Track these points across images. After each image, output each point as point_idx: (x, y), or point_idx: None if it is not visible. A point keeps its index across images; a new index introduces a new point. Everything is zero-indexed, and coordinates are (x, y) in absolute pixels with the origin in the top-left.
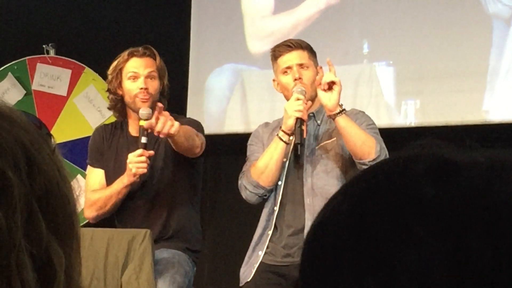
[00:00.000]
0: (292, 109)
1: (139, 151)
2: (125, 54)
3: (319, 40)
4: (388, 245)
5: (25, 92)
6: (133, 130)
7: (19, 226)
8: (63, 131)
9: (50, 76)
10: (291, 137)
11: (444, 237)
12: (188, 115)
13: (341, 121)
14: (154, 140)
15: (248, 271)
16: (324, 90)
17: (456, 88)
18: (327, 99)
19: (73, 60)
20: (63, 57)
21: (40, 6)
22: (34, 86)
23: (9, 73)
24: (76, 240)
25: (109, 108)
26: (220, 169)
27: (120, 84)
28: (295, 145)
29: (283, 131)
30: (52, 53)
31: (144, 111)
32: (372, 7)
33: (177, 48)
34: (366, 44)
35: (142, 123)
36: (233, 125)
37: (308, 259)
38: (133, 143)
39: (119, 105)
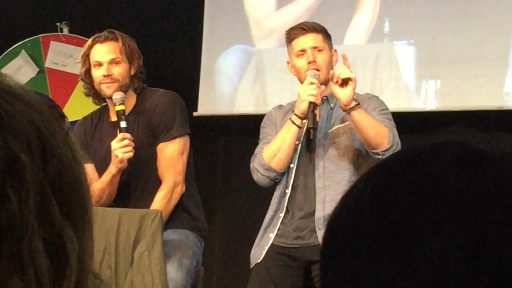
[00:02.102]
0: (306, 93)
1: (120, 135)
2: (89, 40)
3: (341, 18)
4: (408, 231)
5: (38, 69)
6: (113, 116)
7: (31, 210)
8: (75, 110)
9: (63, 54)
10: (304, 121)
11: (465, 227)
12: (200, 96)
13: (356, 115)
14: (133, 121)
15: (258, 252)
16: (339, 85)
17: (477, 72)
18: (341, 94)
19: (87, 39)
20: (77, 35)
21: None
22: (47, 64)
23: (23, 51)
24: (89, 224)
25: (85, 94)
26: (231, 151)
27: (89, 71)
28: (308, 129)
29: (296, 115)
30: (65, 31)
31: (117, 95)
32: None
33: (191, 28)
34: (387, 22)
35: (118, 107)
36: (245, 106)
37: (329, 241)
38: (114, 129)
39: (93, 91)
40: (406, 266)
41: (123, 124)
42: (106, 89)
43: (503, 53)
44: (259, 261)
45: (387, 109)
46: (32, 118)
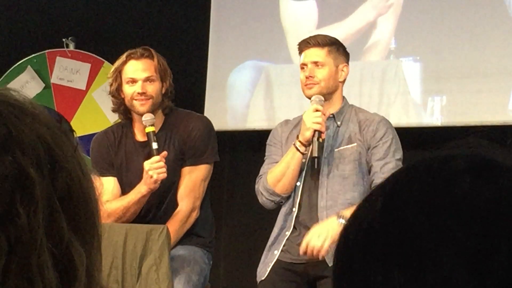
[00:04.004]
0: (311, 120)
1: (156, 157)
2: (123, 56)
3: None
4: (419, 239)
5: (44, 85)
6: (139, 135)
7: (40, 225)
8: (81, 125)
9: (69, 70)
10: (309, 146)
11: (475, 237)
12: (206, 111)
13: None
14: (164, 141)
15: (263, 269)
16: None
17: (482, 87)
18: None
19: (93, 54)
20: (83, 51)
21: None
22: (53, 80)
23: (29, 66)
24: (97, 238)
25: (113, 111)
26: (237, 165)
27: (120, 87)
28: (313, 158)
29: (300, 142)
30: (71, 46)
31: (147, 117)
32: (401, 4)
33: (196, 43)
34: (393, 39)
35: (148, 129)
36: (253, 121)
37: (341, 250)
38: (141, 149)
39: (122, 108)
40: (415, 274)
41: (155, 145)
42: (139, 106)
43: (508, 68)
44: (263, 278)
45: (393, 137)
46: (41, 133)
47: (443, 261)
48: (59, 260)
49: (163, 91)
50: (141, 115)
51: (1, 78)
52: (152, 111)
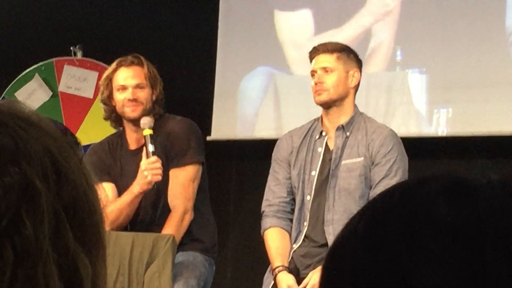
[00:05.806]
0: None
1: (153, 158)
2: (114, 64)
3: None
4: (402, 262)
5: (51, 93)
6: (131, 144)
7: (46, 236)
8: (88, 133)
9: (77, 78)
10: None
11: (460, 254)
12: (214, 119)
13: None
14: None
15: (268, 280)
16: None
17: (489, 97)
18: None
19: (100, 63)
20: (90, 59)
21: (68, 7)
22: (61, 88)
23: (36, 74)
24: (102, 249)
25: (104, 118)
26: (244, 174)
27: (111, 95)
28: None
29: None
30: (79, 55)
31: (145, 120)
32: (406, 15)
33: (204, 51)
34: (399, 51)
35: (146, 132)
36: (261, 130)
37: (327, 276)
38: (133, 157)
39: (114, 115)
40: None
41: (151, 148)
42: (130, 112)
43: None
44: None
45: (399, 154)
46: (47, 144)
47: (430, 283)
48: (65, 271)
49: (154, 98)
50: (132, 121)
51: (9, 86)
52: (143, 116)
